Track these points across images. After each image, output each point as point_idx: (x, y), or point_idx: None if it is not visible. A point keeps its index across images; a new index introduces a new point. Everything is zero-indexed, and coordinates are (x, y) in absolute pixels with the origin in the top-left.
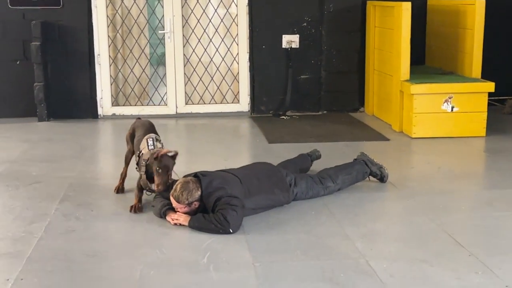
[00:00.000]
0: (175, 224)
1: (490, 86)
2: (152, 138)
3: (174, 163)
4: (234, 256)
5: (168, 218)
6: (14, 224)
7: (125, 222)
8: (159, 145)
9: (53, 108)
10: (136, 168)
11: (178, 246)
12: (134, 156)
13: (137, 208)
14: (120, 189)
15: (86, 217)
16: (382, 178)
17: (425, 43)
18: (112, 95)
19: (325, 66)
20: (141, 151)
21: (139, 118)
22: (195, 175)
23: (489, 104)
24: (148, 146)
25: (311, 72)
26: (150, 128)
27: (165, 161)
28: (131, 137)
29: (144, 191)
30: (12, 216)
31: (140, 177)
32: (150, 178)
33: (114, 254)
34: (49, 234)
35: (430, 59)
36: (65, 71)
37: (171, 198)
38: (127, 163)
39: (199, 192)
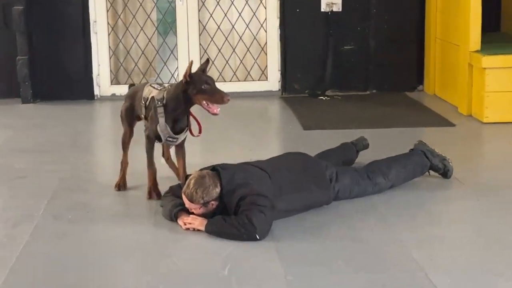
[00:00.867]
0: (188, 229)
1: None
2: (157, 83)
3: None
4: (261, 268)
5: (180, 221)
6: None
7: (128, 225)
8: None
9: (39, 87)
10: (145, 121)
11: (192, 255)
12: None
13: (154, 192)
14: (121, 185)
15: (80, 219)
16: (445, 173)
17: (500, 4)
18: (111, 71)
19: (374, 34)
20: (147, 97)
21: (133, 84)
22: (213, 168)
23: None
24: (155, 89)
25: (356, 41)
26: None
27: (203, 75)
28: (129, 113)
29: (163, 143)
30: None
31: (155, 128)
32: (171, 122)
33: (114, 264)
34: (36, 240)
35: (506, 24)
36: (54, 42)
37: (183, 197)
38: (125, 149)
39: (217, 189)
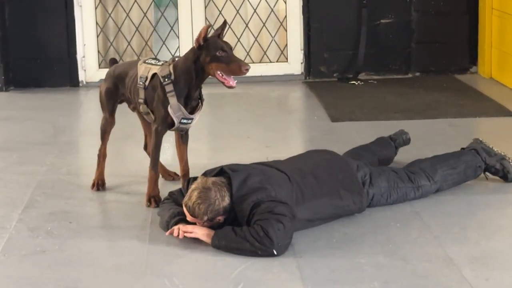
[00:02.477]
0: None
1: None
2: (151, 58)
3: None
4: None
5: (175, 228)
6: None
7: (119, 239)
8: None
9: (13, 72)
10: (143, 106)
11: (196, 274)
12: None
13: (154, 199)
14: (100, 185)
15: (61, 231)
16: (505, 175)
17: None
18: (99, 52)
19: (417, 5)
20: (146, 76)
21: (115, 60)
22: (221, 170)
23: None
24: (154, 65)
25: (396, 14)
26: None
27: (219, 41)
28: (111, 95)
29: (175, 128)
30: None
31: (165, 114)
32: (184, 99)
33: (102, 285)
34: (8, 257)
35: None
36: (30, 18)
37: (184, 208)
38: (105, 139)
39: (225, 202)
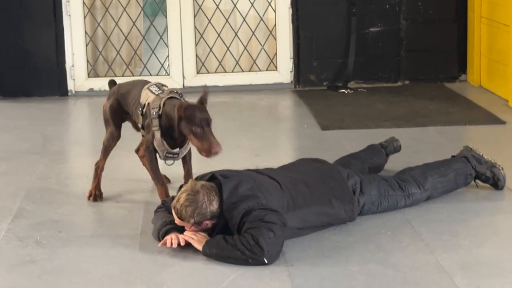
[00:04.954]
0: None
1: None
2: (155, 85)
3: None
4: None
5: (167, 237)
6: None
7: (109, 248)
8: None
9: (2, 82)
10: (142, 131)
11: (187, 283)
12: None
13: (166, 194)
14: (97, 195)
15: (51, 241)
16: (495, 183)
17: None
18: (88, 61)
19: (406, 13)
20: (144, 104)
21: (114, 81)
22: (212, 176)
23: None
24: (153, 93)
25: (385, 22)
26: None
27: (198, 113)
28: (115, 111)
29: (162, 161)
30: None
31: (152, 139)
32: (168, 137)
33: None
34: None
35: None
36: (18, 26)
37: (172, 212)
38: (106, 154)
39: (213, 208)
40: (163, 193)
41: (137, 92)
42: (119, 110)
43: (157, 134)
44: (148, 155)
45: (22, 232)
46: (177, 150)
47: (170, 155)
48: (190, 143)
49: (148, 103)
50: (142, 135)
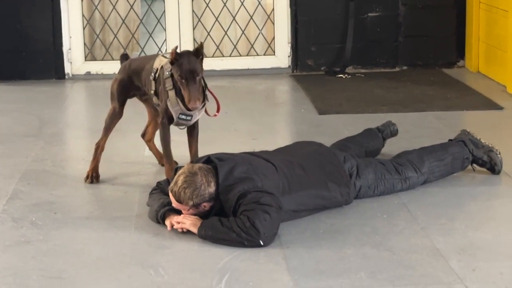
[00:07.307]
0: (179, 229)
1: None
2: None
3: (202, 67)
4: (266, 281)
5: (167, 222)
6: None
7: (104, 229)
8: None
9: None
10: (155, 99)
11: (182, 264)
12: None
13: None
14: (94, 177)
15: (46, 222)
16: (492, 167)
17: None
18: (85, 44)
19: None
20: (157, 68)
21: (126, 55)
22: (208, 159)
23: None
24: (166, 58)
25: (383, 7)
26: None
27: (186, 63)
28: (124, 87)
29: (175, 123)
30: None
31: (166, 107)
32: (181, 98)
33: (87, 275)
34: None
35: None
36: (14, 8)
37: (170, 195)
38: (108, 131)
39: (211, 189)
40: (171, 171)
41: (150, 66)
42: (128, 86)
43: (171, 93)
44: (162, 129)
45: (17, 213)
46: (190, 113)
47: (183, 117)
48: (203, 109)
49: (162, 66)
50: (154, 107)
